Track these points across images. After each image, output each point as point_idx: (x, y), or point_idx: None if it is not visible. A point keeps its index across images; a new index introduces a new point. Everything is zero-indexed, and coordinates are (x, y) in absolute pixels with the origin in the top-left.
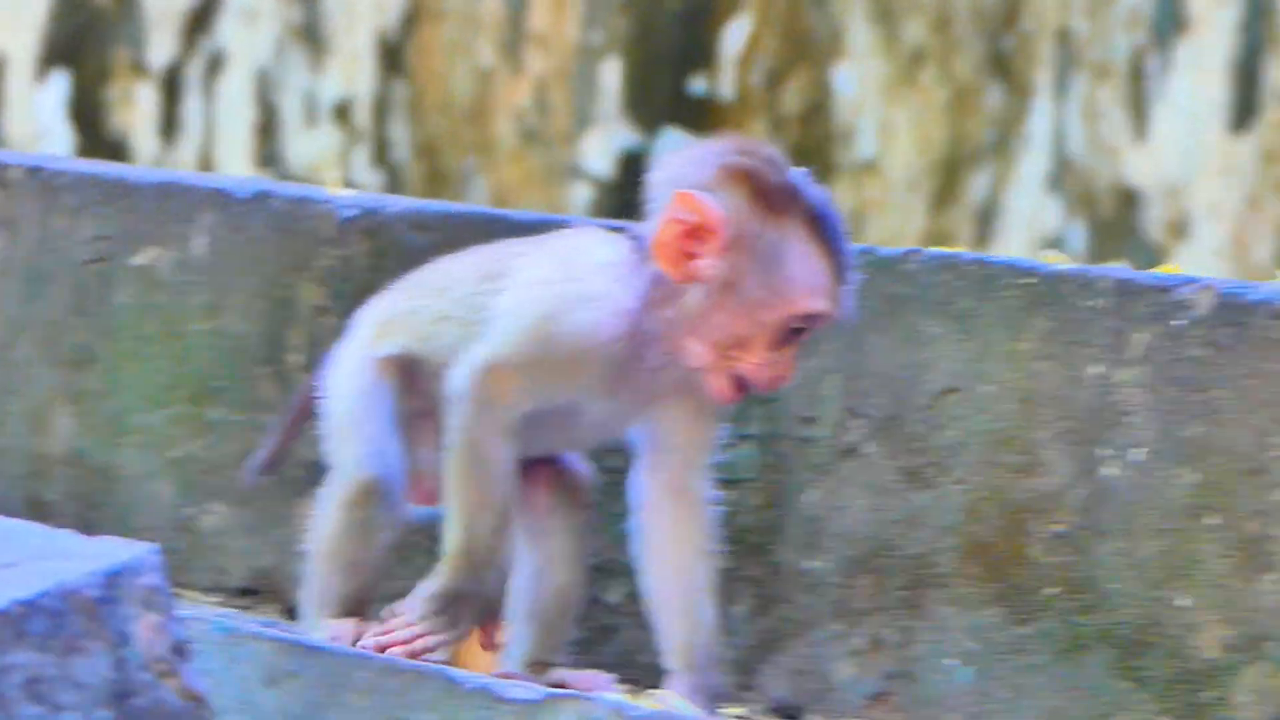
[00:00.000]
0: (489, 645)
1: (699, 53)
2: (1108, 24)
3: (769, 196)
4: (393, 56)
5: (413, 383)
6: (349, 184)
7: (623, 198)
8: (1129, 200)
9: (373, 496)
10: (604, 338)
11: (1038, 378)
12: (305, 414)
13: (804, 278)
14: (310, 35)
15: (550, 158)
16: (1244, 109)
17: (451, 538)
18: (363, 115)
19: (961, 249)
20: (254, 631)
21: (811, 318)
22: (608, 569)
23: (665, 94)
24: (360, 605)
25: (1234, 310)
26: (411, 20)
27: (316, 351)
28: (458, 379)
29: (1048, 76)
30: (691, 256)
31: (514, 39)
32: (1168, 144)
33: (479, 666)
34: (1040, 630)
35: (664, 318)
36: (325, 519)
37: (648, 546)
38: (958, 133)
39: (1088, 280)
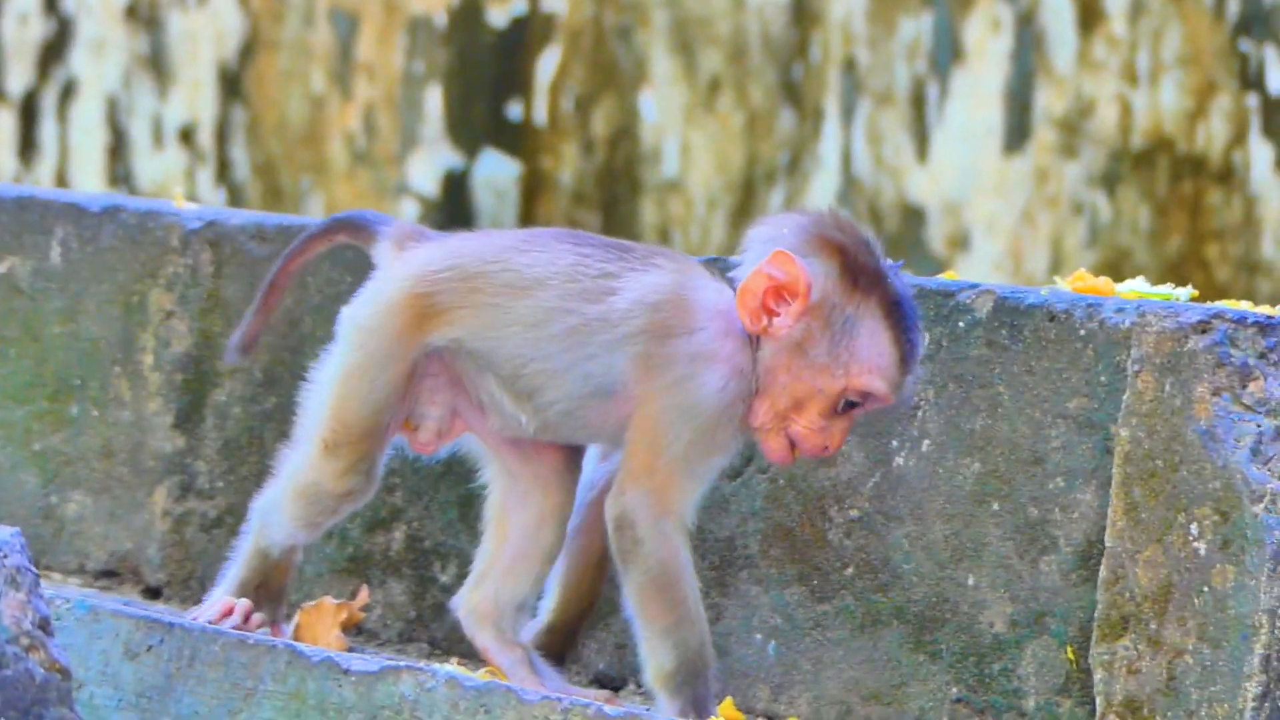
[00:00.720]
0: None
1: (514, 80)
2: (890, 55)
3: (857, 274)
4: (232, 84)
5: (445, 361)
6: (194, 201)
7: (445, 214)
8: (912, 217)
9: (341, 506)
10: (731, 396)
11: None
12: (280, 291)
13: (869, 357)
14: (156, 64)
15: (379, 177)
16: (1017, 132)
17: (666, 659)
18: (206, 138)
19: None
20: (114, 609)
21: (867, 396)
22: (441, 551)
23: (484, 118)
24: (262, 590)
25: (1011, 313)
26: (249, 50)
27: (166, 352)
28: (625, 506)
29: (835, 103)
30: (772, 313)
31: (344, 68)
32: (947, 165)
33: (325, 641)
34: (839, 607)
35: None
36: (280, 506)
37: (584, 518)
38: (753, 154)
39: None
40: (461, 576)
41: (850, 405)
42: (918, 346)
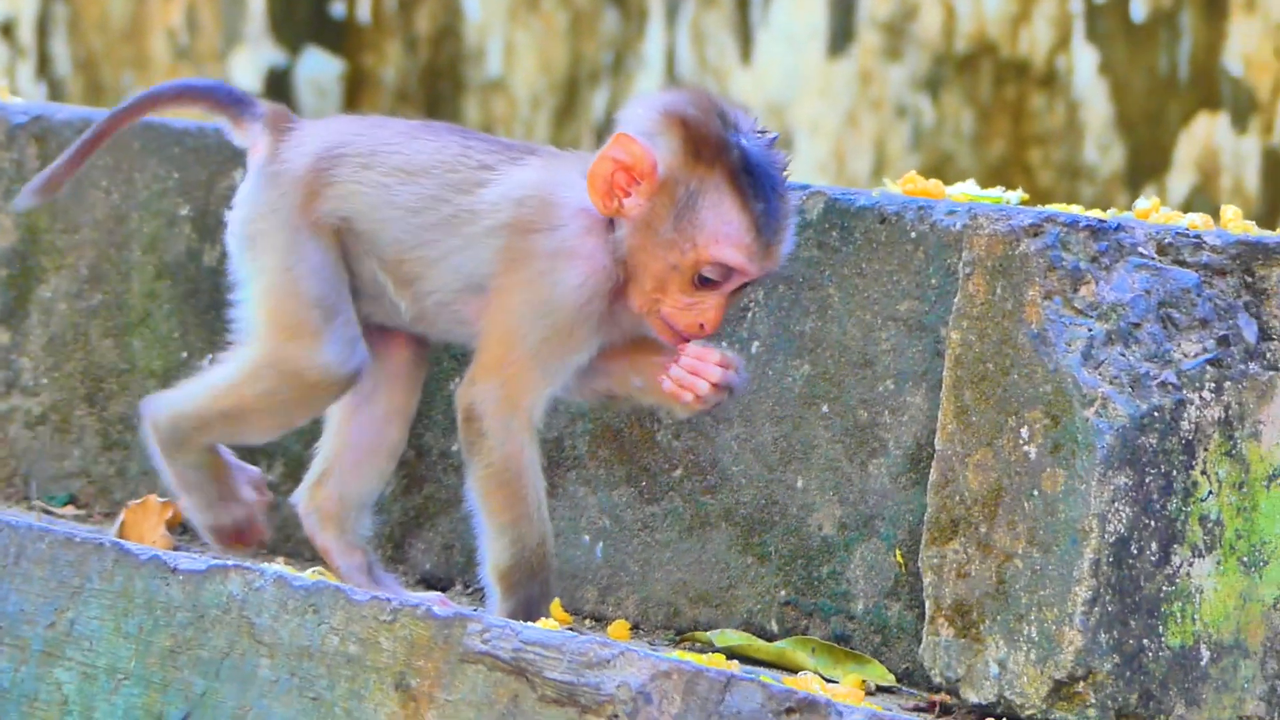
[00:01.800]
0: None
1: None
2: None
3: (699, 146)
4: None
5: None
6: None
7: None
8: None
9: (334, 390)
10: (589, 294)
11: None
12: (98, 144)
13: (714, 227)
14: None
15: (201, 73)
16: (841, 35)
17: (502, 555)
18: (26, 33)
19: None
20: None
21: (721, 268)
22: (267, 450)
23: (307, 16)
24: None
25: (842, 215)
26: None
27: None
28: (474, 398)
29: (660, 3)
30: (624, 194)
31: None
32: (771, 66)
33: (151, 539)
34: (667, 509)
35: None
36: (238, 421)
37: None
38: (577, 54)
39: None
40: (288, 475)
41: (707, 280)
42: (775, 214)
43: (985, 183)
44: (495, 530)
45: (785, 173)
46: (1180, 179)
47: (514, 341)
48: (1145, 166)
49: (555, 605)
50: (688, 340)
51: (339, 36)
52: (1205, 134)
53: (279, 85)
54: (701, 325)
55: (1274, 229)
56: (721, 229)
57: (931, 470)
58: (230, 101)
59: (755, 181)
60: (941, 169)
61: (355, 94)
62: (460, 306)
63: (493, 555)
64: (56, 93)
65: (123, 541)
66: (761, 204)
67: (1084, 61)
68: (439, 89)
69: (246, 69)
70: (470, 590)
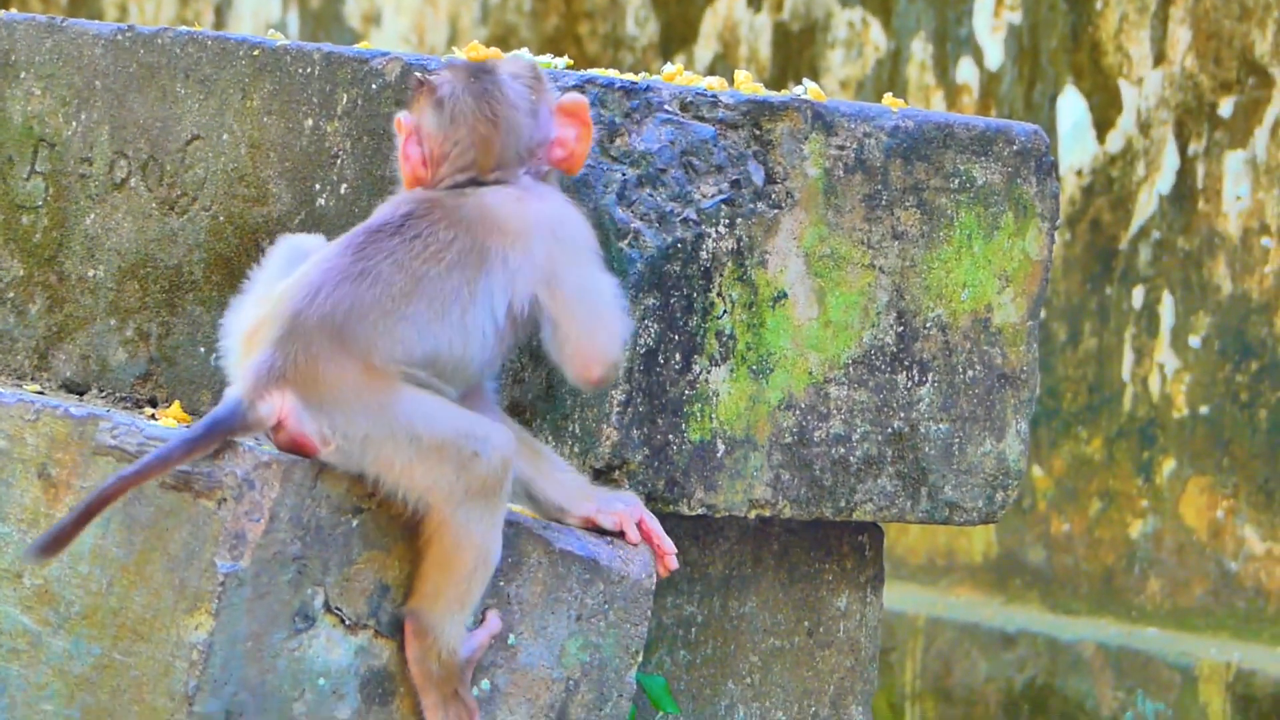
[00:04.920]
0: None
1: None
2: None
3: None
4: None
5: None
6: None
7: None
8: None
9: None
10: None
11: (265, 129)
12: (106, 505)
13: None
14: None
15: None
16: None
17: None
18: None
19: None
20: None
21: None
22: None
23: None
24: None
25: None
26: None
27: None
28: (593, 368)
29: None
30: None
31: None
32: None
33: None
34: None
35: None
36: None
37: None
38: None
39: (304, 52)
40: None
41: None
42: None
43: (542, 51)
44: None
45: None
46: (705, 49)
47: None
48: (676, 38)
49: (176, 407)
50: None
51: None
52: (726, 10)
53: None
54: None
55: (781, 91)
56: None
57: None
58: (234, 413)
59: None
60: (506, 40)
61: None
62: None
63: None
64: None
65: None
66: None
67: None
68: None
69: None
70: (103, 394)
